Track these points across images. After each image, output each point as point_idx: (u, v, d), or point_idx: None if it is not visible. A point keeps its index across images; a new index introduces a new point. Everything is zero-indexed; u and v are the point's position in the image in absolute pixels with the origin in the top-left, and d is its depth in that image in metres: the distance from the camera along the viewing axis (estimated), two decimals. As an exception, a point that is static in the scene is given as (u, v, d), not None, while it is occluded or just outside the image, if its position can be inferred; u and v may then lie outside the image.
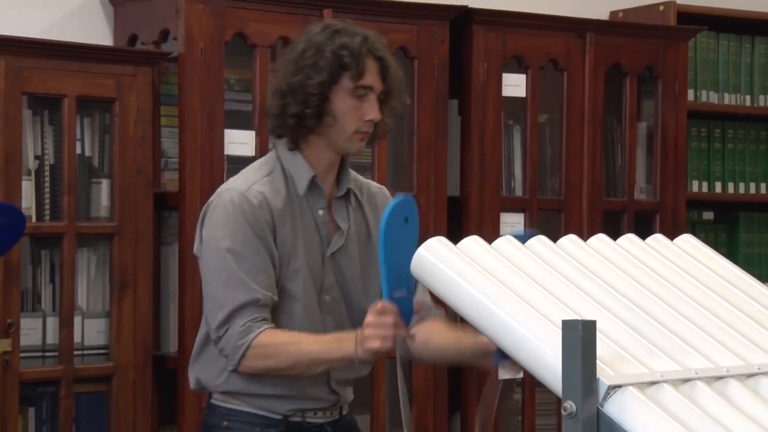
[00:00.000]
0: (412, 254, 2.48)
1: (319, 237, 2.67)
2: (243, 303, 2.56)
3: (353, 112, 2.63)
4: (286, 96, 2.63)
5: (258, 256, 2.59)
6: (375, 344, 2.45)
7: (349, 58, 2.60)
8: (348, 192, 2.72)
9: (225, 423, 2.67)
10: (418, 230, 2.47)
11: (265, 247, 2.60)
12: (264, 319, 2.57)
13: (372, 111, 2.63)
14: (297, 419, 2.65)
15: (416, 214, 2.53)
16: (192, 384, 2.73)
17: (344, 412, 2.77)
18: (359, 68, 2.61)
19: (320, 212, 2.67)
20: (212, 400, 2.69)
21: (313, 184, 2.65)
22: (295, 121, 2.63)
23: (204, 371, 2.69)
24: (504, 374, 2.59)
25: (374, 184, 2.87)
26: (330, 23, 2.72)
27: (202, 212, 2.67)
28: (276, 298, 2.61)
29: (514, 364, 2.44)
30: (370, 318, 2.46)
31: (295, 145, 2.67)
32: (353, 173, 2.79)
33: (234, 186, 2.65)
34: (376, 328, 2.45)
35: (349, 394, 2.77)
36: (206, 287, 2.65)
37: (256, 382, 2.63)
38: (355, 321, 2.66)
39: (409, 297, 2.50)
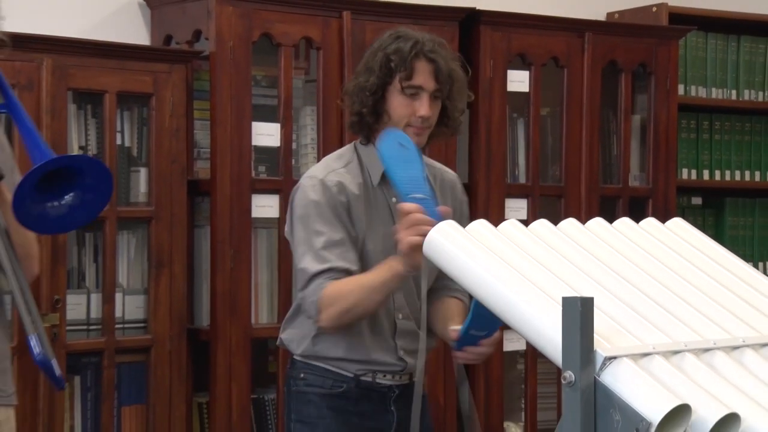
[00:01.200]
0: (419, 165, 2.60)
1: (393, 224, 2.65)
2: (317, 271, 2.60)
3: (405, 109, 2.65)
4: (352, 96, 2.69)
5: (334, 232, 2.64)
6: (410, 239, 2.43)
7: (398, 61, 2.62)
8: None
9: (302, 375, 2.72)
10: (415, 148, 2.57)
11: (341, 224, 2.65)
12: (336, 278, 2.61)
13: (422, 108, 2.64)
14: (367, 379, 2.69)
15: (408, 139, 2.61)
16: (279, 342, 2.80)
17: (413, 379, 2.76)
18: (408, 70, 2.63)
19: (394, 200, 2.68)
20: (295, 357, 2.75)
21: (385, 175, 2.67)
22: (358, 118, 2.68)
23: (291, 334, 2.75)
24: (458, 361, 2.67)
25: (449, 172, 2.89)
26: (399, 30, 2.72)
27: (290, 199, 2.72)
28: (354, 267, 2.63)
29: (465, 356, 2.61)
30: (398, 225, 2.48)
31: (367, 140, 2.71)
32: (429, 161, 2.81)
33: (314, 173, 2.70)
34: (405, 227, 2.45)
35: (416, 361, 2.74)
36: (294, 260, 2.70)
37: (331, 346, 2.69)
38: (421, 297, 2.69)
39: (428, 197, 2.53)
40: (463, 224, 2.79)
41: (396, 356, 2.73)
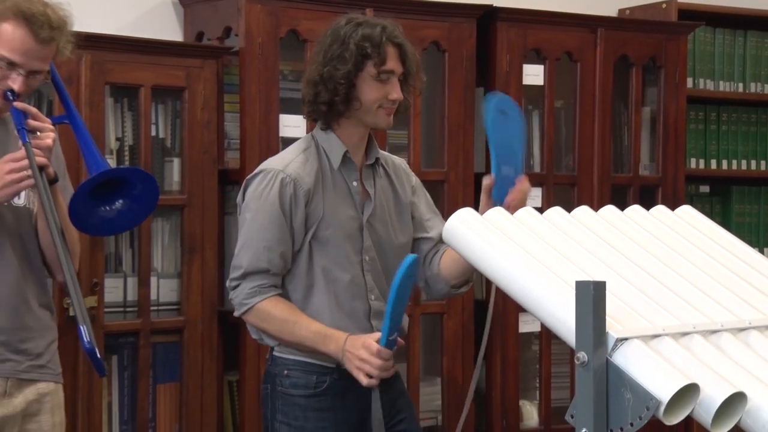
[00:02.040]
0: (519, 137, 2.65)
1: (354, 206, 2.66)
2: (256, 269, 2.58)
3: (377, 92, 2.61)
4: (318, 85, 2.62)
5: (279, 230, 2.59)
6: (354, 372, 2.53)
7: (371, 48, 2.58)
8: (376, 161, 2.71)
9: (286, 372, 2.65)
10: (520, 118, 2.61)
11: (287, 224, 2.60)
12: (272, 286, 2.60)
13: (395, 91, 2.62)
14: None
15: (514, 106, 2.66)
16: (253, 334, 2.73)
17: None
18: (381, 56, 2.59)
19: (354, 183, 2.66)
20: (274, 352, 2.69)
21: (345, 158, 2.65)
22: (326, 107, 2.62)
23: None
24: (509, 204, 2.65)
25: (395, 158, 2.86)
26: (353, 17, 2.69)
27: (243, 185, 2.68)
28: (282, 272, 2.62)
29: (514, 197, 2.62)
30: (363, 353, 2.51)
31: (328, 126, 2.66)
32: (377, 149, 2.77)
33: (271, 166, 2.65)
34: (362, 363, 2.51)
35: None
36: (236, 246, 2.67)
37: None
38: (389, 276, 2.65)
39: (515, 174, 2.62)
40: (426, 199, 2.83)
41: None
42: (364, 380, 2.52)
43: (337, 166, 2.64)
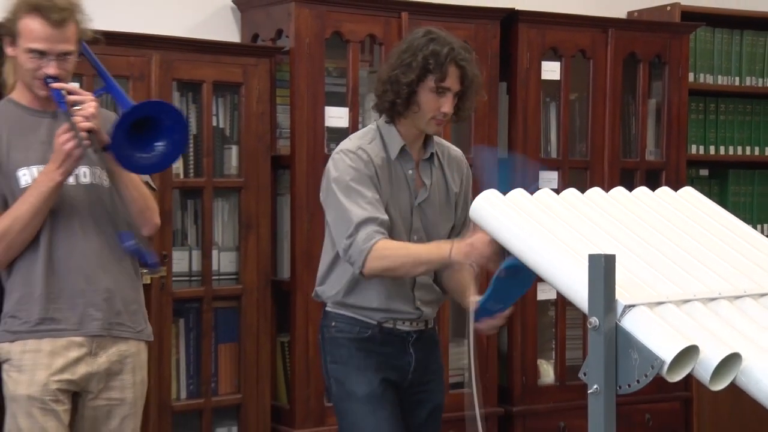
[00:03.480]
0: (520, 292, 2.48)
1: (408, 191, 2.67)
2: (367, 218, 2.55)
3: (432, 104, 2.62)
4: (385, 84, 2.64)
5: (372, 192, 2.60)
6: (464, 258, 2.46)
7: (435, 65, 2.59)
8: (432, 156, 2.72)
9: (334, 324, 2.70)
10: (530, 278, 2.31)
11: (375, 187, 2.62)
12: (382, 233, 2.56)
13: (446, 106, 2.62)
14: (389, 325, 2.68)
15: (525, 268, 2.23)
16: (314, 295, 2.77)
17: (429, 326, 2.78)
18: (442, 73, 2.59)
19: (410, 172, 2.68)
20: (327, 308, 2.73)
21: (402, 150, 2.66)
22: (389, 105, 2.64)
23: (325, 288, 2.73)
24: (476, 327, 2.54)
25: (455, 149, 2.85)
26: (431, 30, 2.67)
27: (325, 169, 2.68)
28: (389, 223, 2.59)
29: (481, 327, 2.52)
30: (472, 239, 2.44)
31: (390, 120, 2.68)
32: (437, 139, 2.79)
33: (345, 147, 2.67)
34: (471, 248, 2.44)
35: (431, 312, 2.76)
36: (334, 214, 2.62)
37: (359, 298, 2.67)
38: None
39: (501, 310, 2.50)
40: (468, 192, 2.80)
41: (413, 306, 2.70)
42: (465, 258, 2.46)
43: (395, 156, 2.66)
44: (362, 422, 2.64)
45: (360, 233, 2.54)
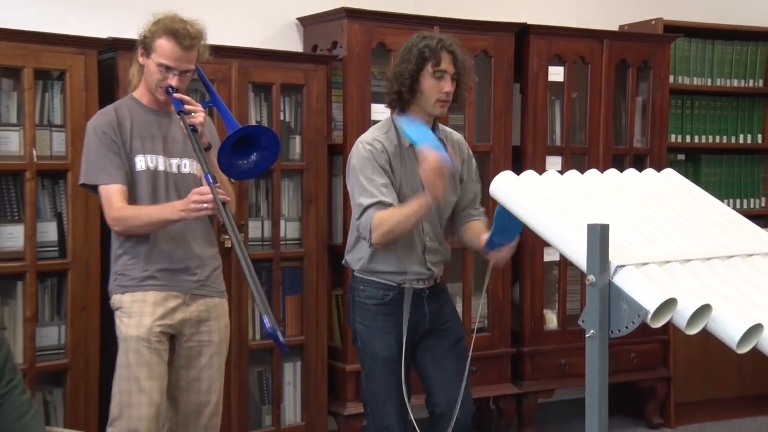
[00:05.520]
0: (427, 130, 2.52)
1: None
2: (369, 204, 2.58)
3: (434, 87, 2.60)
4: (392, 80, 2.64)
5: (382, 178, 2.60)
6: (435, 194, 2.45)
7: (429, 53, 2.58)
8: (440, 140, 2.70)
9: (361, 287, 2.71)
10: (422, 123, 2.49)
11: (385, 173, 2.61)
12: (382, 210, 2.57)
13: (447, 86, 2.61)
14: (406, 285, 2.67)
15: (415, 120, 2.52)
16: (344, 262, 2.80)
17: (437, 282, 2.78)
18: (437, 59, 2.58)
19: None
20: (355, 273, 2.74)
21: None
22: (397, 96, 2.63)
23: (352, 256, 2.75)
24: (492, 257, 2.54)
25: (456, 133, 2.83)
26: (423, 33, 2.68)
27: (348, 157, 2.70)
28: (393, 202, 2.59)
29: (495, 253, 2.50)
30: (426, 167, 2.43)
31: (402, 111, 2.67)
32: (442, 127, 2.77)
33: (363, 139, 2.67)
34: (426, 166, 2.43)
35: (439, 270, 2.76)
36: (352, 199, 2.67)
37: (380, 264, 2.67)
38: (441, 224, 2.70)
39: (435, 142, 2.50)
40: (472, 169, 2.78)
41: (425, 267, 2.70)
42: (436, 196, 2.44)
43: (408, 144, 2.63)
44: (378, 374, 2.67)
45: (364, 215, 2.57)
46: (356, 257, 2.71)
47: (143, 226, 2.57)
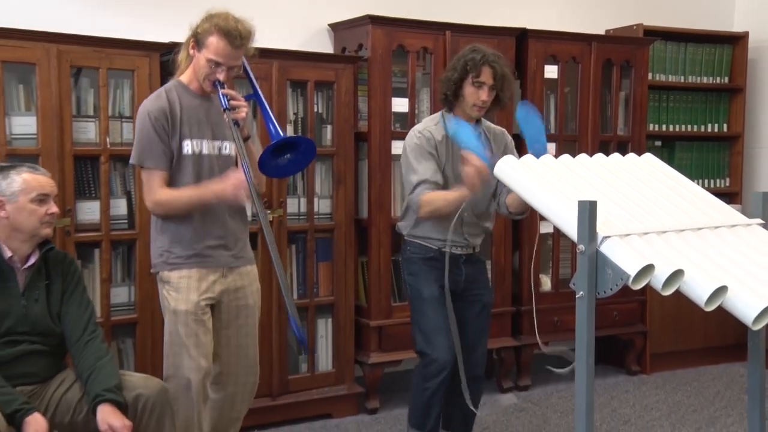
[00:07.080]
0: (472, 133, 2.48)
1: (460, 161, 2.64)
2: (421, 180, 2.62)
3: (473, 95, 2.64)
4: (443, 84, 2.68)
5: (430, 161, 2.64)
6: (473, 189, 2.47)
7: (471, 66, 2.61)
8: (480, 133, 2.72)
9: (409, 247, 2.77)
10: (467, 125, 2.48)
11: (432, 158, 2.65)
12: (430, 189, 2.61)
13: (483, 95, 2.64)
14: (445, 250, 2.69)
15: (463, 123, 2.51)
16: (397, 228, 2.82)
17: (476, 251, 2.79)
18: (477, 71, 2.61)
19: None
20: (406, 237, 2.78)
21: None
22: (444, 97, 2.68)
23: (403, 223, 2.78)
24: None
25: (499, 128, 2.84)
26: (475, 45, 2.68)
27: (404, 142, 2.72)
28: (440, 181, 2.63)
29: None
30: (468, 169, 2.46)
31: (450, 110, 2.71)
32: (486, 122, 2.78)
33: (417, 128, 2.72)
34: (468, 168, 2.46)
35: (477, 240, 2.78)
36: (405, 175, 2.69)
37: (424, 230, 2.71)
38: (481, 204, 2.71)
39: (479, 148, 2.49)
40: (513, 154, 2.79)
41: (463, 237, 2.73)
42: (470, 183, 2.44)
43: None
44: (426, 313, 2.70)
45: (415, 191, 2.62)
46: (406, 224, 2.77)
47: (181, 208, 2.49)
